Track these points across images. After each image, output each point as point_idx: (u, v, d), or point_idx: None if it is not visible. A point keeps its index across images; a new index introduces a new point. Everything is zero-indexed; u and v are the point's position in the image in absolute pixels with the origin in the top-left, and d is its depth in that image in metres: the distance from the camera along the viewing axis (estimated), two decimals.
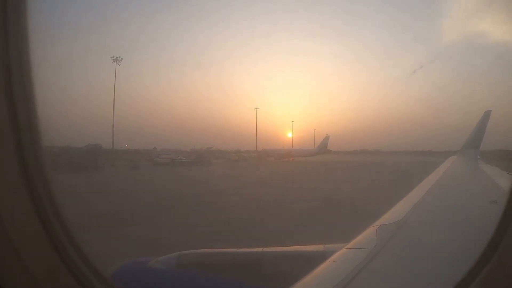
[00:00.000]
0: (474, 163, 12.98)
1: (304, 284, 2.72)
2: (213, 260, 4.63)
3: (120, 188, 28.66)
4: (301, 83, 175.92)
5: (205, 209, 19.83)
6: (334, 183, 33.09)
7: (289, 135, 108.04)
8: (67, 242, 2.00)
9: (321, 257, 3.28)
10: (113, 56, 70.99)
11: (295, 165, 64.73)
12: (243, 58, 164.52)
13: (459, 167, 12.25)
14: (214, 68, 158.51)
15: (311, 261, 3.19)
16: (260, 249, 4.62)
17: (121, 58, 71.25)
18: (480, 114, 15.86)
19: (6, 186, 1.78)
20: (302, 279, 2.79)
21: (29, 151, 1.86)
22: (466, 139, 16.24)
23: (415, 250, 3.46)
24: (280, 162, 73.05)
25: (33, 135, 1.92)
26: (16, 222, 1.77)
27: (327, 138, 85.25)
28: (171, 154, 69.06)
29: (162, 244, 11.07)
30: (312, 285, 2.77)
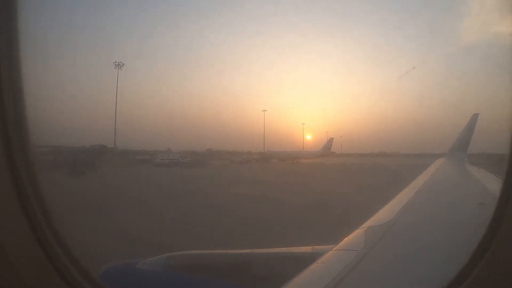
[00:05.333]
0: (462, 165, 13.12)
1: (294, 285, 2.73)
2: (202, 261, 4.61)
3: None
4: (312, 84, 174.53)
5: None
6: (311, 183, 33.84)
7: (300, 137, 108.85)
8: (55, 243, 1.98)
9: (310, 258, 3.29)
10: (115, 62, 72.09)
11: (290, 167, 65.00)
12: (254, 60, 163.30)
13: (447, 170, 12.37)
14: (224, 70, 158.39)
15: (300, 263, 3.20)
16: (249, 251, 4.63)
17: (123, 63, 72.31)
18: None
19: None
20: (291, 280, 2.79)
21: (18, 151, 1.84)
22: (453, 142, 16.43)
23: (404, 251, 3.49)
24: (280, 164, 73.45)
25: (22, 135, 1.90)
26: (3, 222, 1.75)
27: (331, 140, 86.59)
28: (176, 155, 69.03)
29: None
30: (301, 286, 2.78)
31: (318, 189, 28.51)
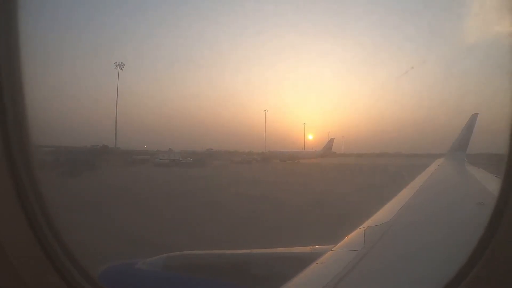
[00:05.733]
0: (461, 165, 13.13)
1: (293, 285, 2.73)
2: (201, 262, 4.61)
3: None
4: (315, 85, 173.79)
5: None
6: (305, 184, 34.24)
7: (302, 137, 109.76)
8: (54, 242, 1.99)
9: (309, 258, 3.29)
10: (116, 62, 73.67)
11: (288, 167, 65.29)
12: (257, 60, 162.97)
13: (446, 170, 12.37)
14: (227, 71, 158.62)
15: (300, 263, 3.20)
16: (248, 251, 4.63)
17: (124, 64, 73.22)
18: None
19: None
20: (290, 281, 2.79)
21: (18, 151, 1.84)
22: (453, 142, 16.44)
23: (403, 251, 3.49)
24: (279, 164, 73.73)
25: (22, 135, 1.90)
26: (3, 222, 1.75)
27: (331, 141, 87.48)
28: (177, 155, 69.58)
29: None
30: (300, 286, 2.78)
31: (311, 189, 29.28)
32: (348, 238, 3.84)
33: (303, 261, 3.22)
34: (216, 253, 4.92)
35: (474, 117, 15.94)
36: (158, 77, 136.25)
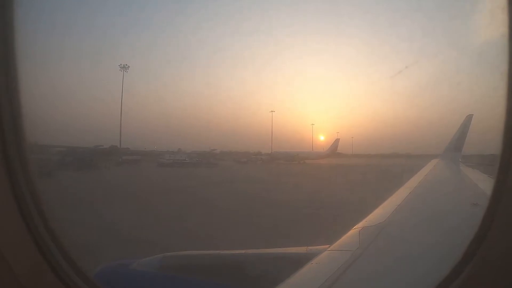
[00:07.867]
0: (456, 166, 13.18)
1: (288, 286, 2.73)
2: (197, 262, 4.61)
3: None
4: (325, 86, 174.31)
5: None
6: (299, 183, 35.51)
7: (310, 138, 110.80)
8: (50, 242, 1.98)
9: (305, 259, 3.30)
10: (121, 64, 74.91)
11: (291, 168, 65.62)
12: (264, 61, 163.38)
13: (441, 170, 12.41)
14: (234, 71, 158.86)
15: (295, 263, 3.20)
16: (243, 251, 4.63)
17: (128, 66, 74.93)
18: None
19: None
20: (286, 281, 2.80)
21: (14, 151, 1.83)
22: (448, 143, 16.51)
23: (398, 252, 3.50)
24: (283, 165, 73.86)
25: (18, 135, 1.89)
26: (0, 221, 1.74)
27: (337, 141, 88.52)
28: (183, 155, 70.96)
29: None
30: (296, 286, 2.78)
31: (302, 188, 31.02)
32: (343, 238, 3.85)
33: (298, 262, 3.22)
34: (211, 253, 4.91)
35: (469, 118, 16.03)
36: (166, 79, 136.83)
